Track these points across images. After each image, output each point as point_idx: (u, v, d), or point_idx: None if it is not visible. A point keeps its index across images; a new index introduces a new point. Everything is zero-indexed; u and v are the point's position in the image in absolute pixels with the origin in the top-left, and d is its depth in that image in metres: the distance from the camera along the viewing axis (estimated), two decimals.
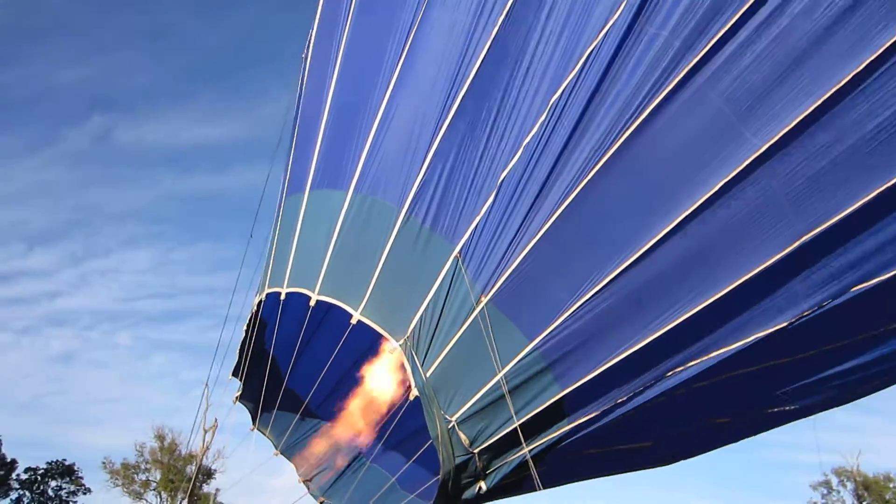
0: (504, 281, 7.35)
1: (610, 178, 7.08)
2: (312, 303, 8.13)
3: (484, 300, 7.38)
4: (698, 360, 7.55)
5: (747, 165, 6.68)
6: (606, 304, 7.28)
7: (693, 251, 7.08)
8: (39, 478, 57.15)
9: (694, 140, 6.86)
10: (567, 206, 7.18)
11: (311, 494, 10.29)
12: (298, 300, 8.41)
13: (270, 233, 9.53)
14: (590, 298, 7.21)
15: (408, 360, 7.50)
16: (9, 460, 55.97)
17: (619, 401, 7.79)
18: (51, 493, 56.89)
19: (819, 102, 6.44)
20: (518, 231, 7.33)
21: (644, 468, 9.90)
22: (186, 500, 44.25)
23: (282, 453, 10.18)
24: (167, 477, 48.90)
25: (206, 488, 47.33)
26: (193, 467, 43.48)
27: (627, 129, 6.92)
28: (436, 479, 7.76)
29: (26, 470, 57.05)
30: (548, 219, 7.24)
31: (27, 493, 55.96)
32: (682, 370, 7.54)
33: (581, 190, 7.14)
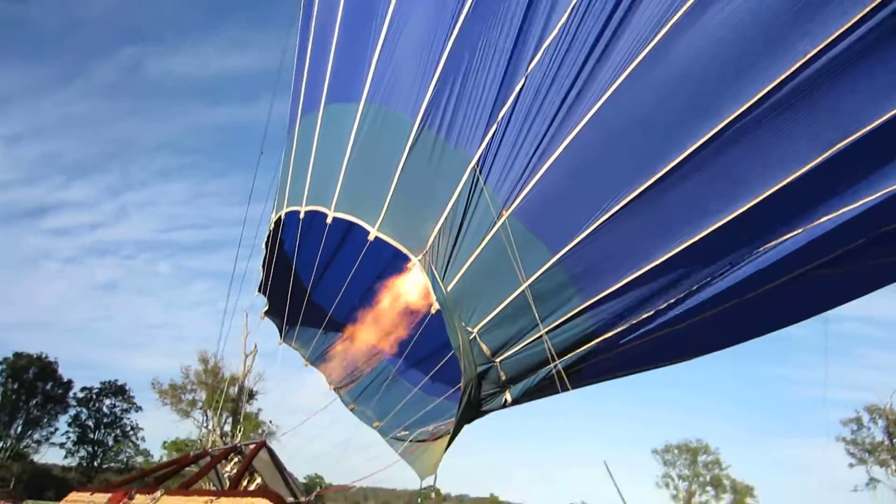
0: (527, 194, 7.00)
1: (644, 83, 6.42)
2: (329, 220, 7.97)
3: (506, 213, 7.09)
4: (727, 275, 7.26)
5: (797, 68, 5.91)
6: (634, 218, 6.89)
7: (725, 165, 6.53)
8: (94, 396, 60.72)
9: (736, 41, 6.31)
10: (595, 114, 6.61)
11: (342, 401, 10.58)
12: (318, 218, 8.29)
13: (285, 152, 9.40)
14: (617, 211, 6.83)
15: (427, 274, 7.36)
16: (65, 380, 59.49)
17: (645, 316, 7.63)
18: (105, 410, 60.55)
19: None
20: (541, 141, 6.85)
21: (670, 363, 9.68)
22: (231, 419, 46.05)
23: (311, 363, 10.43)
24: (212, 397, 50.97)
25: (249, 408, 49.42)
26: (236, 389, 45.09)
27: (665, 24, 6.14)
28: (458, 387, 7.81)
29: (82, 389, 60.65)
30: (574, 127, 6.71)
31: (84, 410, 59.64)
32: (706, 286, 7.30)
33: (611, 95, 6.52)
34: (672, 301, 7.48)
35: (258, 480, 6.99)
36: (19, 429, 55.44)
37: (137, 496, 5.93)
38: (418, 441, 9.31)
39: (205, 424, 51.96)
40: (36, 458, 60.54)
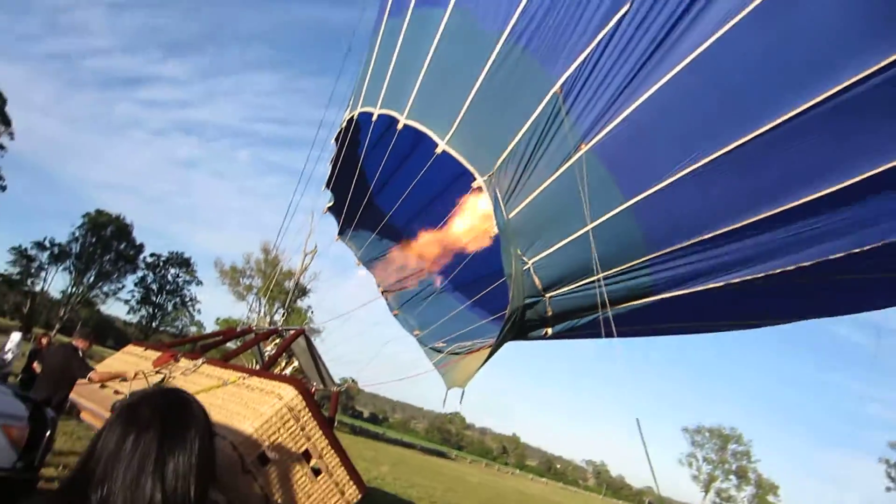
0: (610, 130, 6.46)
1: (759, 28, 5.68)
2: (400, 126, 7.71)
3: (584, 148, 6.61)
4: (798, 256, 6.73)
5: None
6: (722, 175, 6.35)
7: (840, 132, 5.81)
8: (161, 263, 64.44)
9: None
10: (701, 54, 5.92)
11: (388, 305, 10.69)
12: (390, 123, 8.06)
13: (367, 53, 9.13)
14: (705, 164, 6.27)
15: (491, 197, 7.07)
16: (138, 243, 63.07)
17: (712, 286, 7.24)
18: (169, 278, 64.22)
19: None
20: (636, 74, 6.23)
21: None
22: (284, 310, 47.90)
23: (362, 263, 10.56)
24: (267, 286, 53.09)
25: (299, 303, 51.37)
26: (292, 283, 46.82)
27: None
28: (501, 314, 7.66)
29: (151, 255, 64.32)
30: (675, 66, 6.05)
31: (150, 274, 63.42)
32: (783, 257, 6.74)
33: (721, 37, 5.81)
34: (746, 275, 6.99)
35: (295, 364, 7.21)
36: (91, 279, 59.68)
37: (182, 360, 6.26)
38: (455, 354, 9.33)
39: (256, 309, 54.22)
40: (102, 308, 65.36)
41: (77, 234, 60.50)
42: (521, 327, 7.98)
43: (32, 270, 59.41)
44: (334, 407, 6.79)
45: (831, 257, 6.56)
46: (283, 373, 7.00)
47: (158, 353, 6.65)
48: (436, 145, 7.38)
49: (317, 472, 5.03)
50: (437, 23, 7.40)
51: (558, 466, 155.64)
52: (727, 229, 6.63)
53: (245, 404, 4.89)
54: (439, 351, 9.61)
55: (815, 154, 6.02)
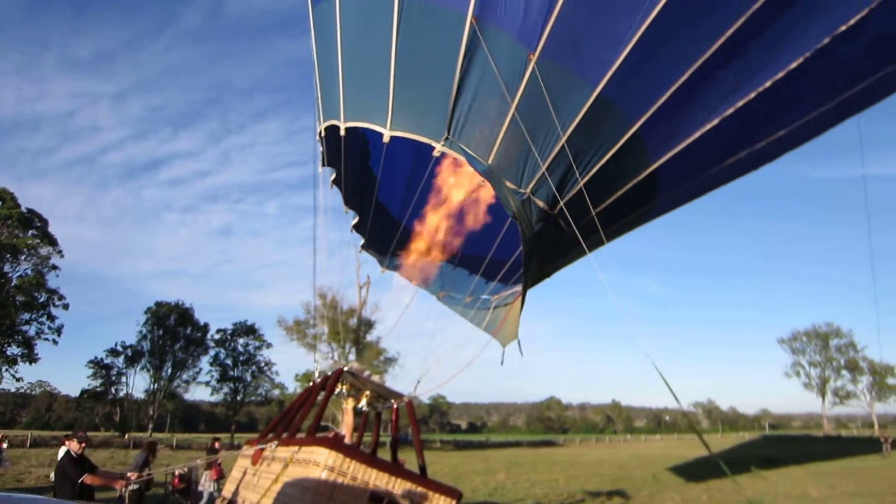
0: (551, 28, 6.04)
1: None
2: (342, 132, 7.38)
3: (534, 57, 6.19)
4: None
5: None
6: (672, 26, 6.06)
7: None
8: (229, 337, 65.81)
9: None
10: None
11: (431, 292, 10.32)
12: (338, 131, 7.74)
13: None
14: (651, 22, 5.94)
15: (459, 154, 6.71)
16: (202, 324, 64.79)
17: (699, 133, 7.01)
18: (240, 348, 65.58)
19: None
20: None
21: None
22: (353, 348, 48.25)
23: (389, 269, 10.28)
24: (334, 329, 53.63)
25: (369, 337, 51.60)
26: (356, 320, 47.03)
27: None
28: (520, 250, 7.34)
29: (217, 331, 65.82)
30: None
31: (221, 350, 64.93)
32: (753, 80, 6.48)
33: None
34: (724, 108, 6.70)
35: (367, 394, 7.13)
36: (169, 371, 61.53)
37: (267, 448, 6.19)
38: (502, 305, 8.99)
39: (331, 356, 54.84)
40: (186, 396, 67.34)
41: (143, 330, 62.76)
42: (544, 259, 7.68)
43: (113, 378, 61.90)
44: (411, 418, 6.79)
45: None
46: (360, 405, 7.07)
47: (253, 450, 6.56)
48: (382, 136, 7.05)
49: None
50: (332, 11, 7.05)
51: (667, 419, 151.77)
52: (693, 70, 6.28)
53: (295, 485, 4.90)
54: (487, 308, 9.27)
55: None
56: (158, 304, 62.58)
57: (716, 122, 6.81)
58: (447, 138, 6.70)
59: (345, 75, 7.17)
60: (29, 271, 46.70)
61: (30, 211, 46.57)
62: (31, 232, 46.50)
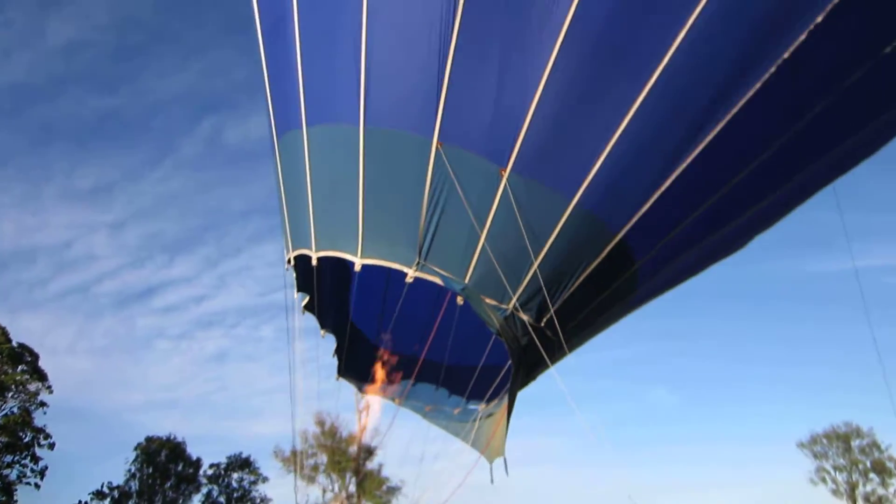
0: (521, 144, 6.09)
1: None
2: (314, 263, 7.33)
3: (505, 173, 6.20)
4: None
5: None
6: (639, 138, 6.15)
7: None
8: (223, 472, 62.61)
9: None
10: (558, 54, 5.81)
11: (415, 410, 9.88)
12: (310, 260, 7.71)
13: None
14: (622, 131, 6.01)
15: (435, 277, 6.61)
16: (194, 459, 61.83)
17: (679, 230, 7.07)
18: (234, 484, 62.20)
19: None
20: (515, 89, 6.01)
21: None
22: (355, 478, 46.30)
23: (362, 392, 9.92)
24: (333, 459, 51.45)
25: (370, 465, 49.18)
26: (356, 447, 45.41)
27: None
28: (509, 364, 7.24)
29: (210, 466, 62.71)
30: (547, 62, 5.86)
31: (215, 487, 61.57)
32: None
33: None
34: (702, 208, 6.83)
35: None
36: None
37: None
38: (487, 416, 8.64)
39: (331, 488, 52.31)
40: None
41: (132, 469, 59.76)
42: (532, 365, 7.53)
43: None
44: None
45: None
46: None
47: None
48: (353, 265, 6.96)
49: None
50: (300, 143, 7.10)
51: None
52: (674, 176, 6.34)
53: None
54: (463, 421, 8.93)
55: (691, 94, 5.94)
56: (149, 440, 59.91)
57: (697, 213, 6.88)
58: (419, 263, 6.57)
59: (314, 203, 7.17)
60: (15, 409, 45.10)
61: (21, 346, 45.72)
62: (20, 367, 45.44)
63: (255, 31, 7.71)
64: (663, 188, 6.42)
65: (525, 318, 7.01)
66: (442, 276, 6.43)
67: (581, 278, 6.88)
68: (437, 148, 6.07)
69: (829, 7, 5.35)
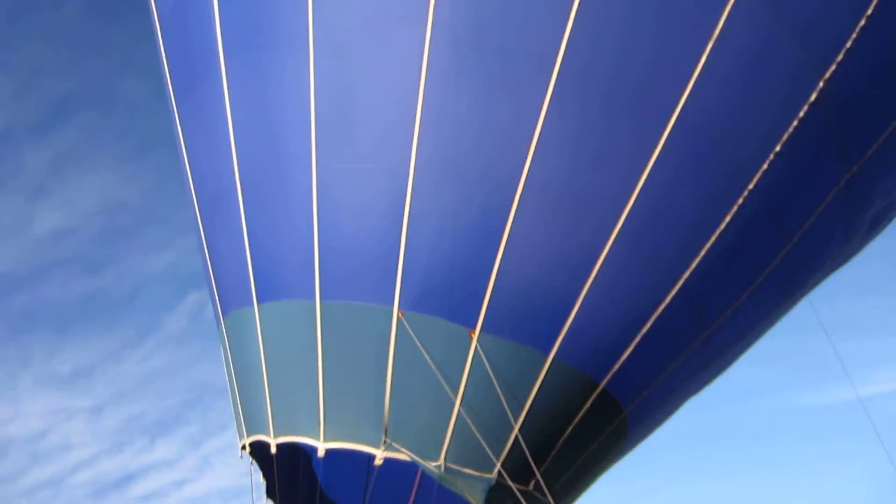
0: (487, 303, 5.92)
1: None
2: (273, 450, 6.80)
3: (474, 335, 5.97)
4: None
5: None
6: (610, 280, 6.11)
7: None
8: None
9: None
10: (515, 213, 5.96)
11: None
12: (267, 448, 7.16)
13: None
14: (593, 280, 5.97)
15: (409, 457, 6.15)
16: None
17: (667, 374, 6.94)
18: None
19: None
20: (476, 249, 5.97)
21: None
22: None
23: None
24: None
25: None
26: None
27: None
28: None
29: None
30: (504, 230, 5.95)
31: None
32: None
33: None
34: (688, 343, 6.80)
35: None
36: None
37: None
38: None
39: None
40: None
41: None
42: None
43: None
44: None
45: None
46: None
47: None
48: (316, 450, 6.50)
49: None
50: (251, 321, 6.79)
51: None
52: (655, 316, 6.32)
53: None
54: None
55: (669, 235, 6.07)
56: None
57: (682, 358, 6.77)
58: (386, 442, 6.10)
59: (270, 385, 6.70)
60: None
61: None
62: None
63: (192, 202, 7.39)
64: (643, 333, 6.37)
65: (511, 484, 6.52)
66: (418, 463, 5.99)
67: (567, 432, 6.57)
68: (398, 317, 5.92)
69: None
